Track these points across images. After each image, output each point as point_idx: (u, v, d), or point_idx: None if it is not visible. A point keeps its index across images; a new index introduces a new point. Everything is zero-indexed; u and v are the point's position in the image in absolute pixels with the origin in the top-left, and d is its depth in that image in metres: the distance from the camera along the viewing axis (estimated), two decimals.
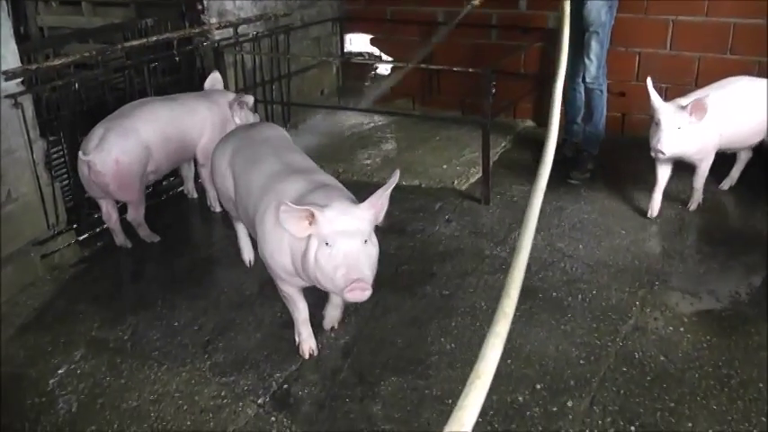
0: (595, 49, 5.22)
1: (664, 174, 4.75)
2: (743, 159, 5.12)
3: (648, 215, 4.77)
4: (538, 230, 4.53)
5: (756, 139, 4.84)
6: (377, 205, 3.02)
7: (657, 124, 4.44)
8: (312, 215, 2.92)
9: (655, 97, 4.47)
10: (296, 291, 3.41)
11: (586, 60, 5.28)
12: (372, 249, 2.99)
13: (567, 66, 5.34)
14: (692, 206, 4.88)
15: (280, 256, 3.18)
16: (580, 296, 4.02)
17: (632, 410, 3.18)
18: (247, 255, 4.29)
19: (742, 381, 3.31)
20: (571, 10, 5.11)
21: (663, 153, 4.42)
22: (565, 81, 5.39)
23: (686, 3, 5.86)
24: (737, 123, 4.68)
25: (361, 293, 2.90)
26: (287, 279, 3.30)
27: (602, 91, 5.41)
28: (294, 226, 2.95)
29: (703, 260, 4.34)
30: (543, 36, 6.42)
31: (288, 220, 2.94)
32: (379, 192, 3.01)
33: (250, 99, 5.04)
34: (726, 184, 5.18)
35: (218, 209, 4.98)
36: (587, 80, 5.35)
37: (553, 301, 3.99)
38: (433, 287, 4.08)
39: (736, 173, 5.17)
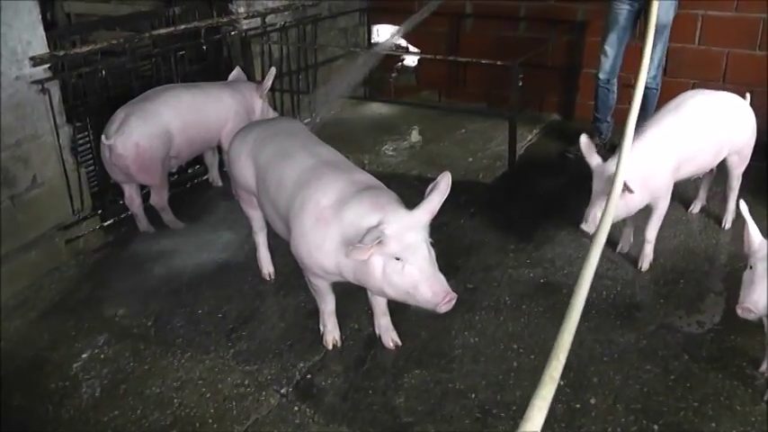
0: (658, 50, 5.17)
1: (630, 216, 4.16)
2: (708, 180, 4.72)
3: (618, 250, 4.37)
4: (562, 225, 4.59)
5: (717, 161, 4.36)
6: (431, 210, 2.96)
7: (593, 191, 3.88)
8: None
9: (589, 156, 3.89)
10: (326, 284, 3.40)
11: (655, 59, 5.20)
12: (433, 252, 2.96)
13: (601, 64, 5.37)
14: (644, 265, 4.20)
15: (320, 256, 3.13)
16: (605, 292, 4.00)
17: (655, 409, 3.16)
18: (266, 268, 4.20)
19: (767, 381, 3.27)
20: (633, 9, 5.15)
21: (590, 231, 3.80)
22: (598, 77, 5.42)
23: None
24: (697, 147, 4.12)
25: (451, 303, 2.89)
26: (323, 276, 3.28)
27: (657, 89, 5.39)
28: (360, 254, 2.86)
29: (729, 262, 4.29)
30: (572, 29, 6.41)
31: (355, 252, 2.85)
32: (434, 198, 2.94)
33: (272, 71, 5.09)
34: (695, 208, 4.86)
35: None
36: (650, 76, 5.24)
37: None
38: (457, 280, 4.05)
39: (703, 194, 4.83)
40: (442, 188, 2.97)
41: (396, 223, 2.87)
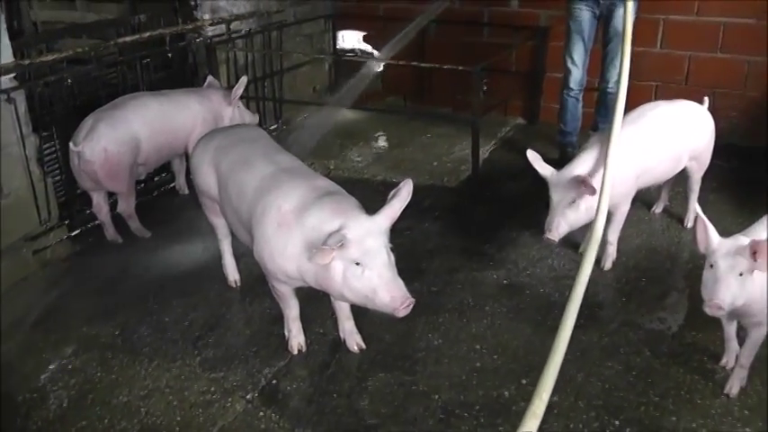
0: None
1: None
2: (669, 181, 4.70)
3: (580, 250, 4.38)
4: (525, 227, 4.65)
5: (677, 169, 4.43)
6: (392, 216, 3.00)
7: (551, 202, 3.94)
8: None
9: (542, 169, 3.98)
10: (290, 290, 3.44)
11: (614, 64, 5.18)
12: (392, 256, 3.01)
13: (571, 75, 5.38)
14: (607, 264, 4.27)
15: (283, 261, 3.17)
16: (567, 292, 4.03)
17: (617, 405, 3.23)
18: (232, 275, 4.22)
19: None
20: (594, 16, 5.18)
21: (553, 240, 3.91)
22: (568, 88, 5.44)
23: (677, 2, 5.91)
24: (656, 159, 4.21)
25: (409, 308, 2.93)
26: (286, 281, 3.31)
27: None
28: (322, 258, 2.90)
29: (692, 259, 4.36)
30: (535, 34, 6.48)
31: (317, 256, 2.90)
32: (395, 204, 2.98)
33: (243, 80, 5.10)
34: (658, 208, 4.95)
35: None
36: (609, 84, 5.31)
37: (540, 297, 4.04)
38: (421, 283, 4.11)
39: (665, 194, 4.92)
40: (403, 195, 3.02)
41: (356, 228, 2.91)
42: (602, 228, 3.57)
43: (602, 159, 3.84)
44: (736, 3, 5.77)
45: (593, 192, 3.71)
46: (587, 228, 4.36)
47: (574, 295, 3.04)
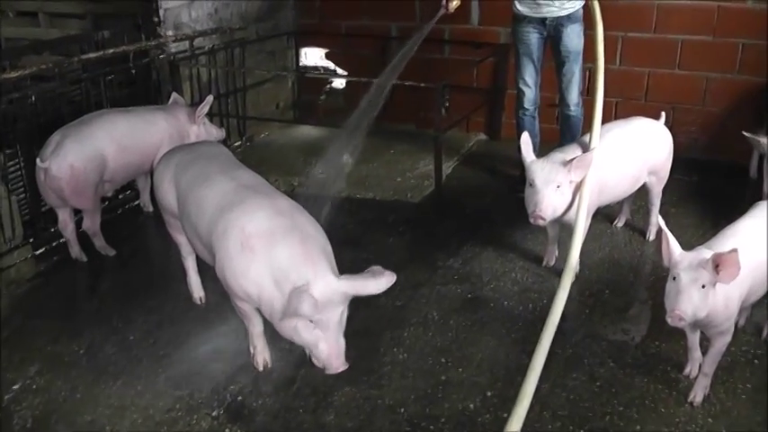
0: (577, 76, 5.24)
1: (552, 229, 4.44)
2: (631, 195, 4.75)
3: (544, 264, 4.53)
4: (489, 242, 4.70)
5: (637, 186, 4.54)
6: (358, 291, 3.01)
7: (532, 185, 3.99)
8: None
9: (526, 153, 4.08)
10: (252, 307, 3.42)
11: (570, 87, 5.27)
12: (345, 316, 3.08)
13: (525, 95, 5.39)
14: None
15: (245, 283, 3.16)
16: (531, 305, 4.12)
17: (581, 415, 3.28)
18: (197, 292, 4.21)
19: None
20: (542, 37, 5.21)
21: (543, 219, 3.96)
22: (522, 108, 5.45)
23: (635, 19, 6.02)
24: (617, 177, 4.32)
25: (339, 370, 3.06)
26: (247, 300, 3.30)
27: (581, 117, 5.37)
28: (290, 321, 2.99)
29: (654, 271, 4.44)
30: (495, 51, 6.56)
31: (287, 319, 2.99)
32: (369, 286, 2.99)
33: (209, 99, 5.10)
34: (620, 222, 5.01)
35: None
36: (571, 107, 5.31)
37: (505, 310, 4.09)
38: (386, 298, 4.10)
39: (627, 208, 4.98)
40: (381, 283, 3.00)
41: (323, 290, 2.93)
42: (578, 256, 3.78)
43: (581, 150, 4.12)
44: (692, 20, 5.90)
45: (584, 171, 3.92)
46: (548, 243, 4.50)
47: (549, 322, 3.25)
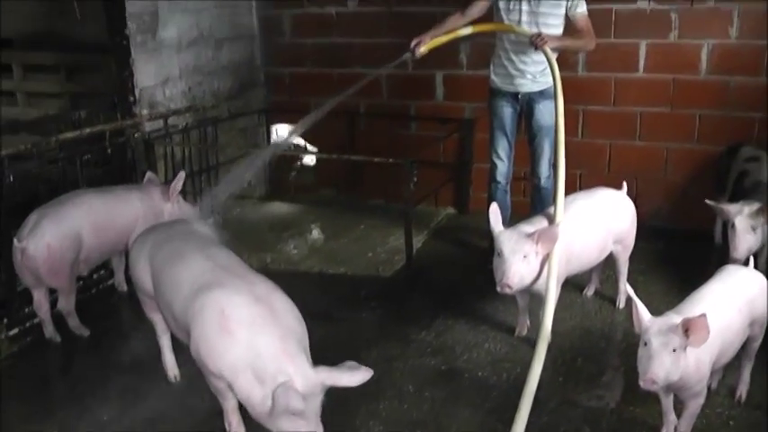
0: (548, 150, 5.26)
1: (523, 299, 4.54)
2: (599, 264, 4.87)
3: (516, 334, 4.62)
4: (461, 314, 4.76)
5: (604, 255, 4.67)
6: (334, 382, 3.05)
7: (500, 255, 4.07)
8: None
9: (494, 223, 4.17)
10: (226, 385, 3.38)
11: (541, 161, 5.32)
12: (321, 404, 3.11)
13: (497, 169, 5.45)
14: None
15: (221, 364, 3.17)
16: (505, 374, 4.17)
17: None
18: (171, 370, 4.21)
19: None
20: (515, 111, 5.31)
21: (510, 287, 4.02)
22: (495, 181, 5.50)
23: (595, 92, 6.21)
24: (583, 247, 4.44)
25: None
26: (221, 377, 3.29)
27: (550, 189, 5.32)
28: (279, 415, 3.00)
29: (625, 338, 4.51)
30: (460, 126, 6.72)
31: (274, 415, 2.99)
32: (344, 379, 3.04)
33: (181, 175, 5.16)
34: (590, 291, 5.11)
35: None
36: (541, 180, 5.34)
37: (479, 381, 4.13)
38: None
39: (596, 277, 5.08)
40: (355, 378, 3.06)
41: (303, 383, 2.97)
42: (550, 326, 3.85)
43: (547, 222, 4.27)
44: (649, 93, 6.12)
45: (551, 244, 4.04)
46: (519, 314, 4.57)
47: (526, 392, 3.40)
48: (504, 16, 5.16)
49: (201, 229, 4.04)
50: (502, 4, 5.14)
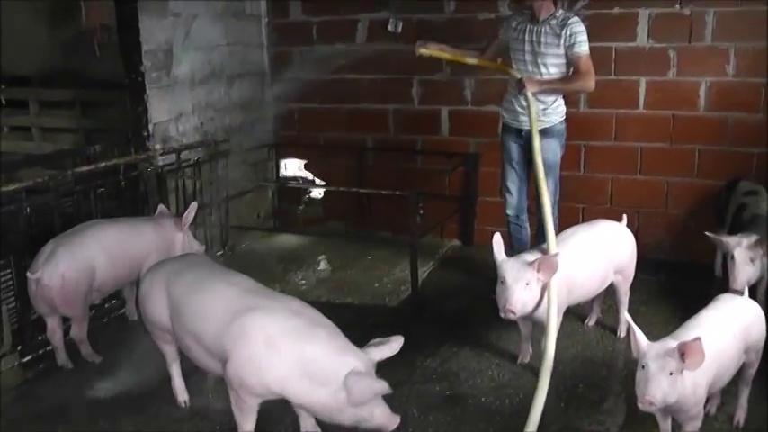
0: (551, 186, 5.22)
1: (526, 327, 4.64)
2: (600, 295, 4.99)
3: (519, 361, 4.71)
4: (466, 341, 4.85)
5: (604, 285, 4.79)
6: (380, 356, 3.40)
7: (503, 282, 4.20)
8: None
9: (498, 252, 4.30)
10: (257, 404, 3.52)
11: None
12: None
13: (507, 202, 5.55)
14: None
15: (270, 380, 3.33)
16: (508, 400, 4.27)
17: None
18: (181, 396, 4.28)
19: None
20: (520, 145, 5.36)
21: (513, 313, 4.15)
22: (507, 214, 5.60)
23: (596, 128, 6.34)
24: (584, 277, 4.56)
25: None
26: (262, 395, 3.43)
27: (556, 223, 5.30)
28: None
29: (626, 366, 4.59)
30: (465, 160, 6.85)
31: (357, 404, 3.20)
32: (385, 350, 3.42)
33: (194, 206, 5.27)
34: (591, 320, 5.21)
35: None
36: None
37: (482, 406, 4.23)
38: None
39: (597, 307, 5.17)
40: (393, 346, 3.42)
41: (368, 368, 3.24)
42: (552, 356, 4.01)
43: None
44: (649, 128, 6.25)
45: (552, 271, 4.14)
46: (522, 342, 4.67)
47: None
48: (512, 56, 5.31)
49: (214, 261, 4.17)
50: (511, 44, 5.29)
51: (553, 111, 5.22)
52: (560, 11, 5.18)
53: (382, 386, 3.18)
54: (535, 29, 5.15)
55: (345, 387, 3.14)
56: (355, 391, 3.13)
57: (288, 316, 3.43)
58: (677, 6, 6.00)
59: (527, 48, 5.18)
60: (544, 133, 5.17)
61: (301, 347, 3.28)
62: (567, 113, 5.30)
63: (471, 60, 5.55)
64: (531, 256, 4.31)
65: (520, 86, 5.06)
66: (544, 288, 4.21)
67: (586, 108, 6.36)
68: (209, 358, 3.62)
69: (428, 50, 5.45)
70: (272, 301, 3.55)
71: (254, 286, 3.75)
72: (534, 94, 5.07)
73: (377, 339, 3.42)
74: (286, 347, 3.29)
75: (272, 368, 3.31)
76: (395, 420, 3.28)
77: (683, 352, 3.17)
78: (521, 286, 4.12)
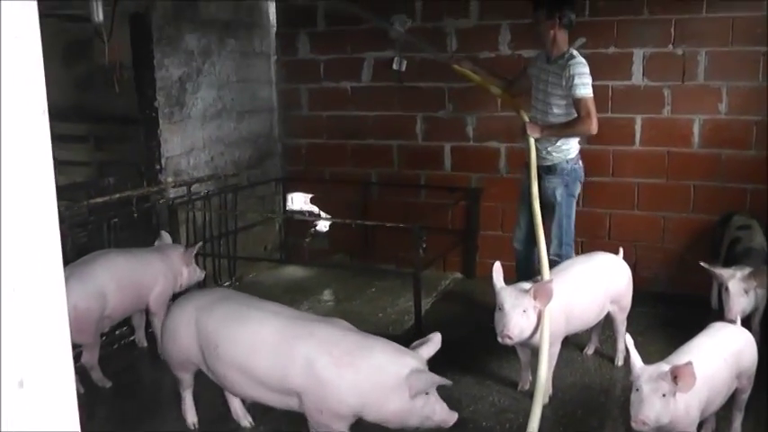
0: (553, 228, 5.35)
1: (525, 355, 4.74)
2: (599, 324, 5.10)
3: (519, 388, 4.82)
4: (467, 369, 4.98)
5: (602, 315, 4.91)
6: (430, 354, 3.67)
7: (501, 309, 4.30)
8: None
9: (497, 280, 4.39)
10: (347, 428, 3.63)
11: (551, 236, 5.35)
12: None
13: (515, 234, 5.69)
14: (544, 399, 4.33)
15: (351, 398, 3.46)
16: (508, 425, 4.39)
17: None
18: (191, 418, 4.36)
19: None
20: (527, 187, 5.33)
21: (510, 338, 4.25)
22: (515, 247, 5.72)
23: (594, 164, 6.37)
24: (581, 307, 4.67)
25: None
26: (347, 417, 3.54)
27: (561, 257, 5.32)
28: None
29: (624, 393, 4.67)
30: (467, 195, 7.01)
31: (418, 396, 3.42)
32: (431, 347, 3.69)
33: (199, 244, 5.50)
34: (590, 350, 5.32)
35: None
36: (550, 255, 5.11)
37: (483, 430, 4.36)
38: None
39: (596, 337, 5.30)
40: (435, 341, 3.67)
41: (421, 366, 3.45)
42: (545, 377, 4.17)
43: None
44: (645, 165, 6.42)
45: (547, 299, 4.27)
46: (521, 369, 4.80)
47: None
48: (532, 93, 5.48)
49: (236, 292, 4.31)
50: (532, 81, 5.46)
51: (555, 150, 5.33)
52: (571, 50, 5.26)
53: (442, 379, 3.41)
54: (547, 68, 5.29)
55: (408, 385, 3.35)
56: (419, 385, 3.35)
57: (342, 334, 3.59)
58: (670, 46, 6.21)
59: (540, 86, 5.34)
60: (548, 170, 5.32)
61: (367, 360, 3.44)
62: None
63: (495, 90, 5.74)
64: (528, 284, 4.45)
65: (522, 131, 5.24)
66: (540, 314, 4.35)
67: (585, 145, 6.43)
68: (258, 388, 3.68)
69: (461, 69, 5.69)
70: (320, 324, 3.68)
71: (294, 313, 3.89)
72: (536, 139, 5.25)
73: (418, 341, 3.64)
74: (355, 364, 3.44)
75: (349, 387, 3.44)
76: (453, 416, 3.50)
77: (675, 375, 3.32)
78: (518, 313, 4.25)
